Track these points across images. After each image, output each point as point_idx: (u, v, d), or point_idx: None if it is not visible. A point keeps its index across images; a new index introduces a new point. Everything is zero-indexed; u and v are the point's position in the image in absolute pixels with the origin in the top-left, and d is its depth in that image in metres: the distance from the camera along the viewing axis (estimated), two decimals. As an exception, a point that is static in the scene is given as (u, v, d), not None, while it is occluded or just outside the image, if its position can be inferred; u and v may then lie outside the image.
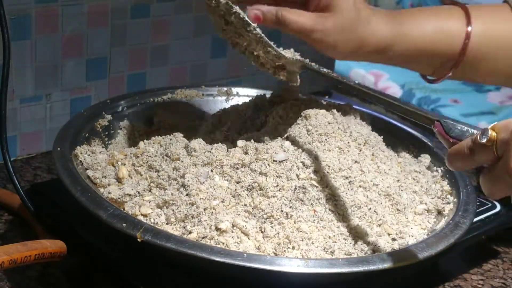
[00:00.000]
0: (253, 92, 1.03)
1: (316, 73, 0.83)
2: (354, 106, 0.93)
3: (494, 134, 0.58)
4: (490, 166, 0.60)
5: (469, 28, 0.85)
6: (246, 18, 0.79)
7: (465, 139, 0.62)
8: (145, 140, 0.85)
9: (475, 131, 0.63)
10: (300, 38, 0.83)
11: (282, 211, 0.74)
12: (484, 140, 0.58)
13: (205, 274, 0.72)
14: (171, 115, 0.98)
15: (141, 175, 0.79)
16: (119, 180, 0.79)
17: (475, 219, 0.83)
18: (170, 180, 0.77)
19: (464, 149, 0.61)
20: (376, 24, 0.83)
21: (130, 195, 0.76)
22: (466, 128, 0.64)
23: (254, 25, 0.80)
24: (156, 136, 0.85)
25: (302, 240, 0.72)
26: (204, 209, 0.73)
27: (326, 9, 0.82)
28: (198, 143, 0.80)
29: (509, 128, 0.57)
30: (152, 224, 0.72)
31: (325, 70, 0.83)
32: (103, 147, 0.89)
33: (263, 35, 0.80)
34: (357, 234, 0.75)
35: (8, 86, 0.88)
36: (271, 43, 0.82)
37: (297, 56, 0.85)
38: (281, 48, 0.83)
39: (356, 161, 0.81)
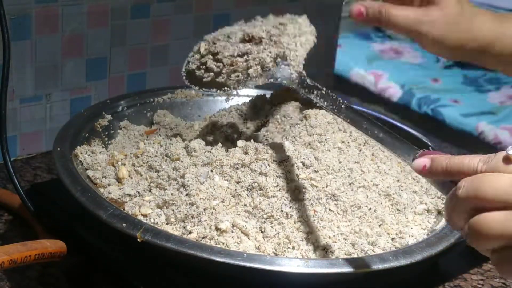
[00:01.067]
0: (253, 92, 1.03)
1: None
2: (354, 106, 0.92)
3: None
4: None
5: None
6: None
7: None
8: (145, 140, 0.85)
9: None
10: (405, 33, 0.83)
11: (282, 211, 0.74)
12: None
13: (205, 274, 0.72)
14: (171, 115, 0.98)
15: (141, 175, 0.79)
16: (119, 180, 0.80)
17: (475, 219, 0.83)
18: (170, 180, 0.77)
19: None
20: (481, 19, 0.84)
21: (130, 195, 0.76)
22: None
23: None
24: (156, 136, 0.85)
25: (302, 240, 0.72)
26: (204, 209, 0.73)
27: (431, 3, 0.83)
28: (198, 143, 0.80)
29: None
30: (152, 224, 0.72)
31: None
32: (103, 147, 0.89)
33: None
34: (357, 234, 0.75)
35: (8, 86, 0.88)
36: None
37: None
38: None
39: (356, 161, 0.81)
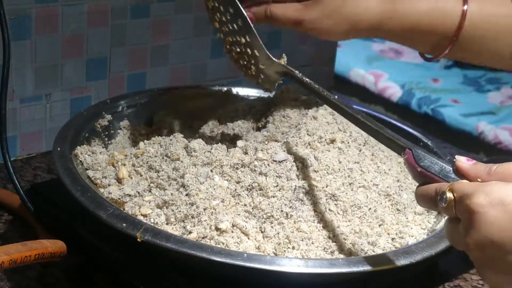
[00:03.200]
0: (253, 92, 1.03)
1: (299, 83, 0.83)
2: (354, 106, 0.92)
3: (451, 196, 0.58)
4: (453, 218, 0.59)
5: (465, 7, 0.84)
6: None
7: (434, 183, 0.62)
8: (145, 141, 0.85)
9: (445, 166, 0.63)
10: (293, 29, 0.85)
11: (282, 211, 0.74)
12: (443, 205, 0.58)
13: (205, 274, 0.72)
14: (171, 115, 0.98)
15: (141, 175, 0.79)
16: (119, 180, 0.80)
17: (475, 219, 0.83)
18: (170, 180, 0.77)
19: (431, 194, 0.61)
20: (366, 2, 0.84)
21: (130, 195, 0.76)
22: (435, 161, 0.63)
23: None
24: (156, 136, 0.85)
25: (302, 240, 0.72)
26: (204, 209, 0.73)
27: None
28: (198, 143, 0.80)
29: (465, 192, 0.57)
30: (152, 224, 0.72)
31: (307, 80, 0.82)
32: (103, 147, 0.89)
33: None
34: (357, 234, 0.75)
35: (8, 86, 0.88)
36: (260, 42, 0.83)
37: (282, 61, 0.85)
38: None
39: (356, 161, 0.81)
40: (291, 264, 0.67)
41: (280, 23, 0.84)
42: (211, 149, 0.79)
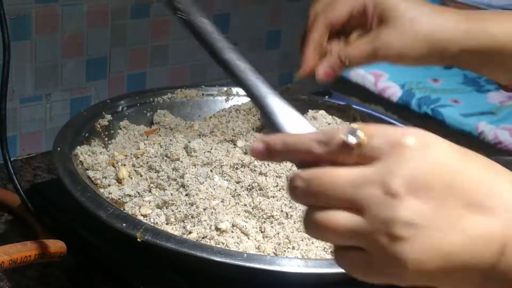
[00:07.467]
0: (253, 92, 1.03)
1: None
2: (354, 106, 0.92)
3: (365, 138, 0.46)
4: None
5: None
6: None
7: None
8: (145, 141, 0.85)
9: None
10: (373, 63, 0.80)
11: (282, 211, 0.74)
12: (354, 142, 0.46)
13: (205, 274, 0.72)
14: (171, 115, 0.98)
15: (141, 175, 0.79)
16: (119, 180, 0.80)
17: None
18: (170, 181, 0.77)
19: (320, 138, 0.47)
20: (444, 19, 0.77)
21: (130, 195, 0.76)
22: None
23: None
24: (156, 137, 0.85)
25: (302, 240, 0.72)
26: (204, 209, 0.73)
27: (384, 21, 0.77)
28: (198, 143, 0.80)
29: (387, 136, 0.46)
30: (152, 224, 0.72)
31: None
32: (103, 147, 0.89)
33: None
34: (357, 234, 0.75)
35: (8, 86, 0.88)
36: None
37: None
38: None
39: (356, 161, 0.81)
40: (291, 264, 0.67)
41: (357, 62, 0.78)
42: (211, 149, 0.79)
